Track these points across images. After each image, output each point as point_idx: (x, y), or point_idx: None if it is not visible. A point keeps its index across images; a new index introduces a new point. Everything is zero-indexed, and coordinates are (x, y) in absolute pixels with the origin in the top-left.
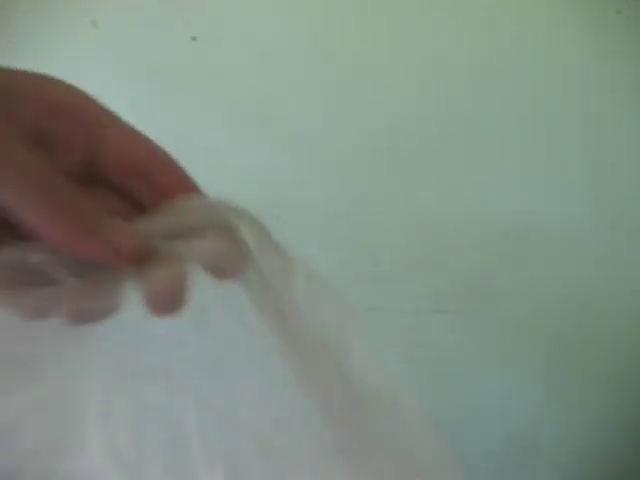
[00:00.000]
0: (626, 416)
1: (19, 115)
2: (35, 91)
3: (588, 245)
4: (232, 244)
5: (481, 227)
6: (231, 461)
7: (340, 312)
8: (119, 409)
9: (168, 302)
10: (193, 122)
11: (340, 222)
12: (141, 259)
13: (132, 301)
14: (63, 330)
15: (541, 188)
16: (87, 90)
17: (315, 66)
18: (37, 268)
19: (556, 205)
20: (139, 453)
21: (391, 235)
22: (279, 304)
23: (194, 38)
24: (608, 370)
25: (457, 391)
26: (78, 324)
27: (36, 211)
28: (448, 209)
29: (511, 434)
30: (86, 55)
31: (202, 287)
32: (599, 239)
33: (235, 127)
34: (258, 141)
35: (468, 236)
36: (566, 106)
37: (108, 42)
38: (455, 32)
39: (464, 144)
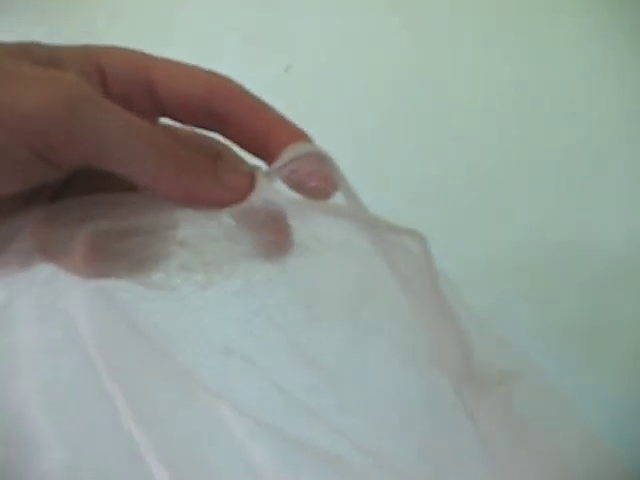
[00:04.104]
0: None
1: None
2: (88, 62)
3: None
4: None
5: (591, 247)
6: None
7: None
8: None
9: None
10: None
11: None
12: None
13: None
14: None
15: None
16: None
17: (414, 99)
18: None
19: None
20: None
21: (496, 256)
22: None
23: (286, 70)
24: None
25: None
26: None
27: (157, 172)
28: (559, 228)
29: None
30: None
31: None
32: None
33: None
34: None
35: (578, 256)
36: None
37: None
38: None
39: (578, 159)
